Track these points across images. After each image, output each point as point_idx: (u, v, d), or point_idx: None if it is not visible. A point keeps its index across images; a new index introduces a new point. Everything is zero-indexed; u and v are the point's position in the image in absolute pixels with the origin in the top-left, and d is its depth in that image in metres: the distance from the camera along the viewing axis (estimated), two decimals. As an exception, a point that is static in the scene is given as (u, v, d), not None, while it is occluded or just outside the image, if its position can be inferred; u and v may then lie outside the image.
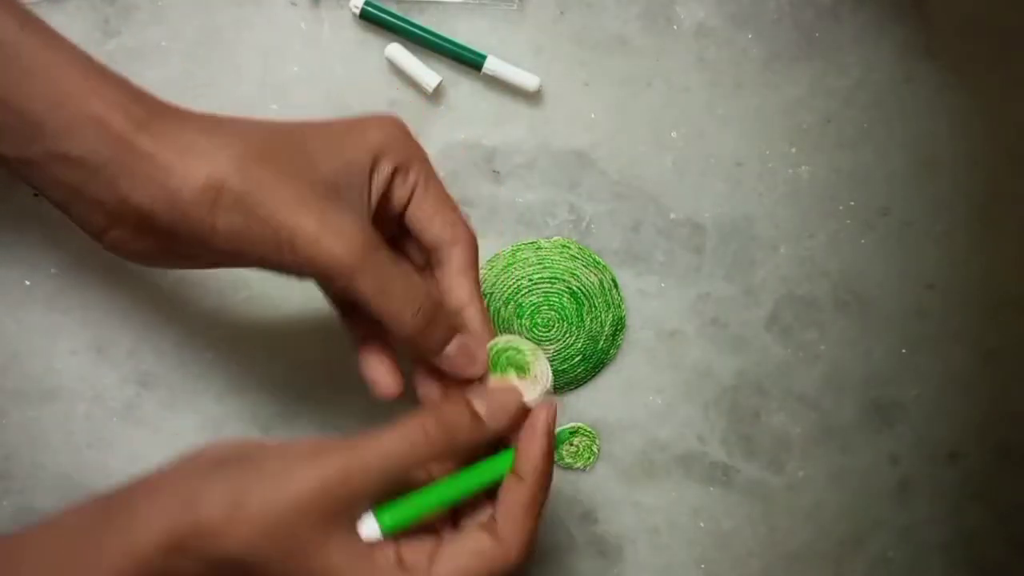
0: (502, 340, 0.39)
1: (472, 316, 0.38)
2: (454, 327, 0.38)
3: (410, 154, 0.37)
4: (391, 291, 0.35)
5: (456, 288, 0.38)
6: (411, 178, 0.37)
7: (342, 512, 0.33)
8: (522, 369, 0.38)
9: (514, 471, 0.36)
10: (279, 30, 0.46)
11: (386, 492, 0.34)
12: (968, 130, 0.50)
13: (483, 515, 0.37)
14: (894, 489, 0.53)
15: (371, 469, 0.33)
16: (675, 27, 0.48)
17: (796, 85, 0.49)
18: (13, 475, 0.47)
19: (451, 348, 0.37)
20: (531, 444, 0.36)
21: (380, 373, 0.39)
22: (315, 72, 0.47)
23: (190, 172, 0.32)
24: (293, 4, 0.46)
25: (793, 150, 0.50)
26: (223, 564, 0.32)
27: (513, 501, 0.35)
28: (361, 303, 0.35)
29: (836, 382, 0.52)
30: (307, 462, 0.33)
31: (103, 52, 0.45)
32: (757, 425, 0.51)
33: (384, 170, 0.36)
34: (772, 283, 0.51)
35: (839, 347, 0.51)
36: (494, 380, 0.38)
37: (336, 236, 0.33)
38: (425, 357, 0.38)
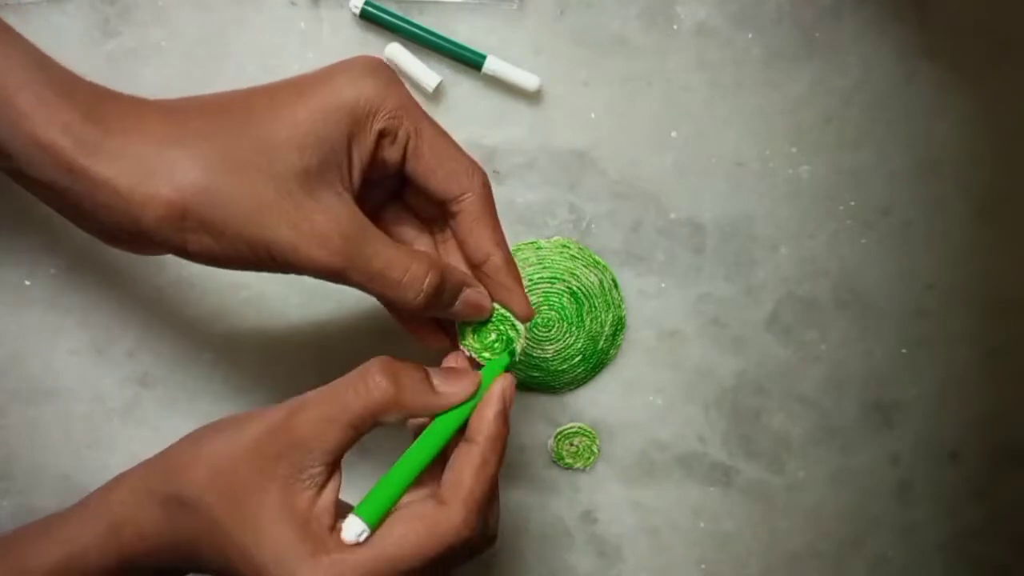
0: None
1: (496, 267, 0.36)
2: (461, 282, 0.36)
3: (393, 108, 0.33)
4: (388, 277, 0.33)
5: (474, 239, 0.36)
6: (400, 136, 0.34)
7: (283, 456, 0.32)
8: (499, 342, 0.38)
9: (465, 435, 0.35)
10: (279, 30, 0.46)
11: (331, 441, 0.33)
12: (968, 130, 0.50)
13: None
14: (894, 489, 0.53)
15: (312, 412, 0.33)
16: (675, 27, 0.48)
17: (796, 85, 0.49)
18: (13, 475, 0.47)
19: (457, 304, 0.36)
20: (484, 407, 0.35)
21: (426, 336, 0.39)
22: (315, 72, 0.47)
23: (150, 197, 0.31)
24: (293, 4, 0.46)
25: (794, 150, 0.50)
26: (178, 506, 0.33)
27: (461, 464, 0.34)
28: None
29: (836, 382, 0.52)
30: (259, 414, 0.34)
31: (103, 52, 0.45)
32: (757, 425, 0.51)
33: (367, 137, 0.33)
34: (772, 283, 0.50)
35: (839, 347, 0.51)
36: (464, 351, 0.38)
37: (314, 239, 0.32)
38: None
